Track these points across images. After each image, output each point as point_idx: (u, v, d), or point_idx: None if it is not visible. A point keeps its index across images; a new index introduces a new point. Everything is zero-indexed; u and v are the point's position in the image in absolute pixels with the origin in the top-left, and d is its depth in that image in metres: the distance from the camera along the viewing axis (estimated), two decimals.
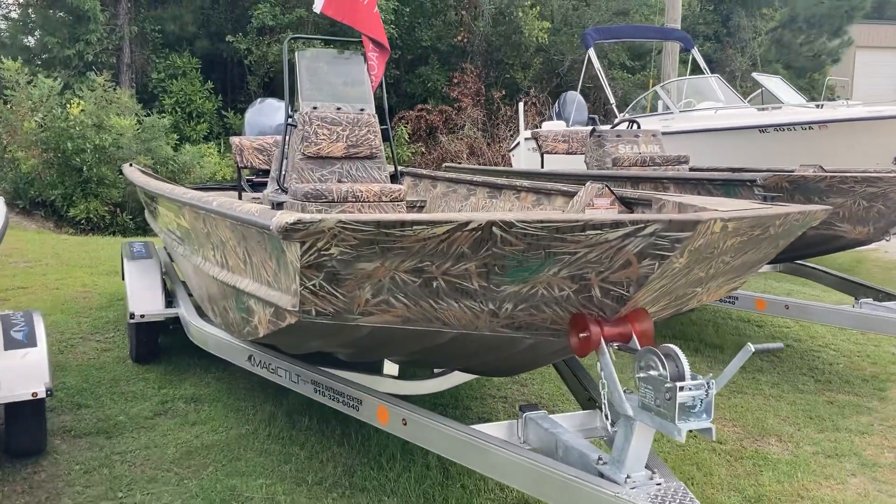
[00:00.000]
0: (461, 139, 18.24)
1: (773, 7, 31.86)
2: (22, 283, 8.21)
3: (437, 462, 4.05)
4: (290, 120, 5.55)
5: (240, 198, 6.31)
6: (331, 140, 5.46)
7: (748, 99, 11.54)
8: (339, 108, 5.61)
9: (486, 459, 2.81)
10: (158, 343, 5.76)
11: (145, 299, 5.49)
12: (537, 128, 16.17)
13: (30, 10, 18.48)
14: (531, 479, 2.64)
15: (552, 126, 13.05)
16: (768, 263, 6.58)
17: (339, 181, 5.48)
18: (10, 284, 8.14)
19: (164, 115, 17.13)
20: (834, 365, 5.90)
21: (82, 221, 12.42)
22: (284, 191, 5.44)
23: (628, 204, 4.26)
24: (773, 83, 11.10)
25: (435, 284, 2.49)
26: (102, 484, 3.84)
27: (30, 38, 18.35)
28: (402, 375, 4.21)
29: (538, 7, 20.07)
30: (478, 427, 3.13)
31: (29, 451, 4.09)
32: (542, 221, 2.22)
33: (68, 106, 12.38)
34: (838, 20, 31.50)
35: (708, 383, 2.31)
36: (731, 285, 3.21)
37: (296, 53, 5.78)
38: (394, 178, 8.13)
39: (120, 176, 12.83)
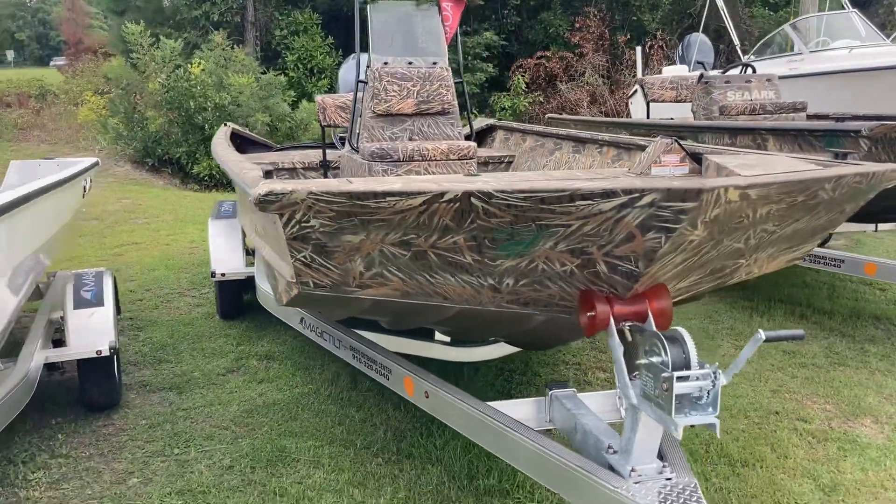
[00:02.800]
0: (581, 87, 17.58)
1: None
2: (137, 239, 8.68)
3: None
4: (362, 77, 5.45)
5: (324, 157, 6.31)
6: (401, 97, 5.32)
7: (893, 36, 10.34)
8: (410, 63, 5.44)
9: (497, 440, 2.65)
10: (243, 300, 5.91)
11: (226, 258, 5.62)
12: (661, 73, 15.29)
13: None
14: (536, 465, 2.46)
15: (674, 71, 12.28)
16: (884, 222, 5.92)
17: (411, 139, 5.35)
18: (126, 240, 8.63)
19: (286, 71, 17.62)
20: None
21: (205, 178, 12.98)
22: (357, 150, 5.37)
23: (701, 160, 3.88)
24: None
25: (426, 258, 2.32)
26: (162, 440, 3.98)
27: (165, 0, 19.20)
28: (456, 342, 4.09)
29: None
30: (506, 403, 2.96)
31: (102, 405, 4.29)
32: (523, 192, 2.00)
33: (189, 66, 12.86)
34: None
35: (714, 373, 2.03)
36: (791, 255, 2.84)
37: (368, 6, 5.64)
38: (475, 135, 7.92)
39: None
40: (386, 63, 5.39)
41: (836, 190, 2.37)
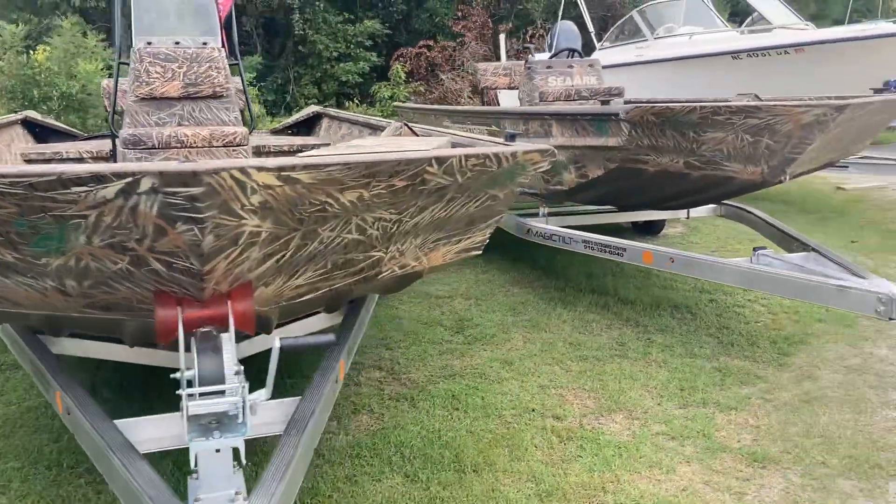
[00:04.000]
0: (463, 77, 17.36)
1: None
2: None
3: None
4: (121, 58, 5.03)
5: (113, 145, 5.85)
6: (164, 79, 4.92)
7: (745, 23, 10.43)
8: (177, 43, 5.04)
9: (107, 465, 2.32)
10: None
11: None
12: None
13: None
14: (126, 493, 2.14)
15: (539, 58, 12.19)
16: (692, 206, 5.84)
17: (180, 125, 4.95)
18: None
19: None
20: (751, 323, 5.18)
21: None
22: (116, 136, 4.97)
23: None
24: (770, 4, 9.97)
25: None
26: None
27: None
28: None
29: None
30: (151, 419, 2.60)
31: None
32: (6, 177, 1.66)
33: (32, 52, 12.07)
34: None
35: (243, 388, 1.74)
36: (458, 245, 2.60)
37: None
38: (305, 122, 7.56)
39: (90, 122, 12.55)
40: (149, 43, 4.98)
41: (455, 174, 2.11)
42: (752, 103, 3.89)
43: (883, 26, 8.16)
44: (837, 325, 5.07)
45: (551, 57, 7.39)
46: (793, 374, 4.35)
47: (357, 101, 17.47)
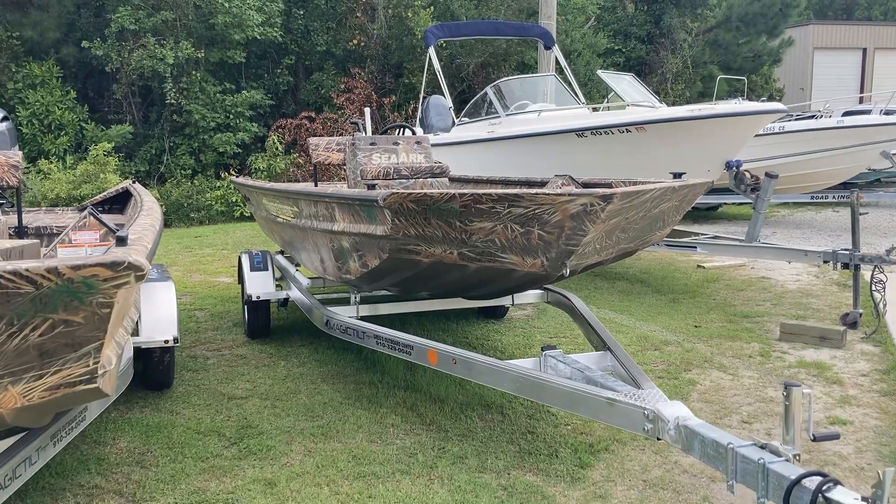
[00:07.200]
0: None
1: (708, 7, 31.14)
2: None
3: None
4: None
5: None
6: None
7: (607, 99, 10.41)
8: None
9: None
10: None
11: None
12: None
13: None
14: None
15: (407, 133, 11.90)
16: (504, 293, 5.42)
17: None
18: None
19: (20, 127, 16.01)
20: (560, 426, 4.72)
21: None
22: None
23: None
24: (624, 82, 9.96)
25: None
26: None
27: None
28: None
29: (433, 7, 18.89)
30: None
31: None
32: None
33: None
34: (773, 19, 30.53)
35: None
36: (36, 384, 2.03)
37: None
38: (117, 196, 6.91)
39: None
40: None
41: None
42: (515, 192, 3.49)
43: (720, 107, 8.17)
44: None
45: (383, 132, 7.00)
46: (584, 491, 3.86)
47: (235, 173, 16.83)
